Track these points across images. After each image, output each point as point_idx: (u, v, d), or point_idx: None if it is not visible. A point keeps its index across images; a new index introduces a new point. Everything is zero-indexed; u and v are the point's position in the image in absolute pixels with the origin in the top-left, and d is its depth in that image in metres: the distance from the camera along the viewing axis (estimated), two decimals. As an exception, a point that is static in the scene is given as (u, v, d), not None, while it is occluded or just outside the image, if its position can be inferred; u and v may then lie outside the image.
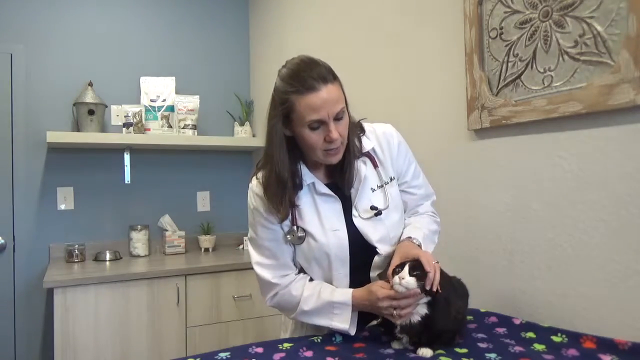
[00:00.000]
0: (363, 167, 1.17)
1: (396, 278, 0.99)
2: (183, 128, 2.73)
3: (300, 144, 1.12)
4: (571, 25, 1.13)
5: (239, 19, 3.14)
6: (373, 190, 1.18)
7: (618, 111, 1.05)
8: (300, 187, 1.15)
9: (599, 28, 1.08)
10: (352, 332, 1.12)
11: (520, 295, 1.29)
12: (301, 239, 1.16)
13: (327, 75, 1.06)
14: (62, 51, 2.65)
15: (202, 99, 2.84)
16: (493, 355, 0.96)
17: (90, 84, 2.58)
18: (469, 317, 1.19)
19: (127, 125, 2.61)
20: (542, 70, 1.21)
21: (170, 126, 2.72)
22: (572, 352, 0.96)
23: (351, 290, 1.12)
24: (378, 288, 1.04)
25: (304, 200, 1.16)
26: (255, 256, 1.22)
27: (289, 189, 1.12)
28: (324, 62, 1.09)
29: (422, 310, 1.00)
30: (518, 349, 0.99)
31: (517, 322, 1.14)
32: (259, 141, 2.92)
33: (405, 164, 1.23)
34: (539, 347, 1.01)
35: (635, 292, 1.04)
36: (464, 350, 1.00)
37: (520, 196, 1.30)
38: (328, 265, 1.16)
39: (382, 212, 1.16)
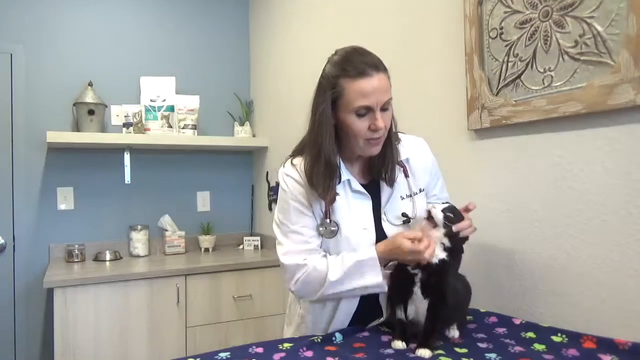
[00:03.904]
0: (397, 174, 1.19)
1: (429, 205, 1.09)
2: (183, 128, 2.73)
3: (343, 132, 1.12)
4: (571, 25, 1.13)
5: (239, 19, 3.14)
6: (402, 198, 1.20)
7: (618, 111, 1.05)
8: (340, 178, 1.16)
9: (599, 28, 1.07)
10: (386, 288, 1.12)
11: (520, 295, 1.29)
12: (333, 233, 1.16)
13: (378, 63, 1.07)
14: (62, 51, 2.65)
15: (202, 99, 2.84)
16: (493, 355, 0.96)
17: (90, 84, 2.59)
18: (469, 317, 1.19)
19: (127, 125, 2.61)
20: (542, 70, 1.21)
21: (170, 126, 2.72)
22: (572, 352, 0.96)
23: (373, 246, 1.13)
24: (403, 240, 1.04)
25: (339, 195, 1.17)
26: (285, 245, 1.19)
27: (337, 175, 1.13)
28: (376, 55, 1.12)
29: (441, 254, 1.04)
30: (518, 349, 0.99)
31: (517, 322, 1.14)
32: (259, 141, 2.92)
33: (435, 179, 1.27)
34: (539, 347, 1.01)
35: (635, 292, 1.04)
36: (464, 350, 1.00)
37: (520, 196, 1.29)
38: None
39: (411, 220, 1.18)
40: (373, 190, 1.19)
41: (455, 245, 1.06)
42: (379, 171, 1.18)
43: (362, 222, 1.16)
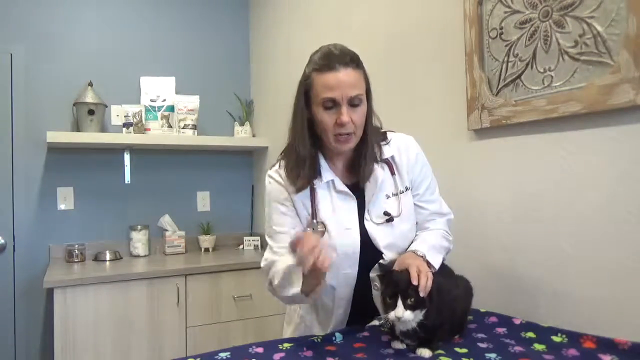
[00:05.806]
0: (381, 172, 1.18)
1: (392, 315, 0.94)
2: (183, 128, 2.73)
3: (316, 126, 1.13)
4: (571, 25, 1.13)
5: (239, 19, 3.14)
6: (388, 197, 1.18)
7: (618, 111, 1.05)
8: (320, 174, 1.16)
9: (599, 28, 1.08)
10: (305, 300, 1.08)
11: (520, 295, 1.29)
12: (321, 234, 1.15)
13: (348, 60, 1.09)
14: (62, 51, 2.65)
15: (202, 99, 2.84)
16: (493, 355, 0.96)
17: (90, 84, 2.58)
18: (469, 317, 1.19)
19: (127, 125, 2.61)
20: (542, 70, 1.21)
21: (170, 126, 2.72)
22: (572, 352, 0.96)
23: None
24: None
25: (322, 194, 1.17)
26: (268, 250, 1.18)
27: (308, 166, 1.14)
28: (353, 51, 1.13)
29: (419, 316, 0.97)
30: (518, 349, 0.99)
31: (517, 322, 1.14)
32: (259, 141, 2.92)
33: (421, 176, 1.23)
34: (539, 347, 1.01)
35: (635, 292, 1.04)
36: (464, 350, 1.00)
37: (520, 196, 1.30)
38: (336, 263, 1.13)
39: (394, 219, 1.16)
40: (358, 190, 1.19)
41: (434, 295, 0.97)
42: (357, 169, 1.18)
43: (345, 222, 1.16)
